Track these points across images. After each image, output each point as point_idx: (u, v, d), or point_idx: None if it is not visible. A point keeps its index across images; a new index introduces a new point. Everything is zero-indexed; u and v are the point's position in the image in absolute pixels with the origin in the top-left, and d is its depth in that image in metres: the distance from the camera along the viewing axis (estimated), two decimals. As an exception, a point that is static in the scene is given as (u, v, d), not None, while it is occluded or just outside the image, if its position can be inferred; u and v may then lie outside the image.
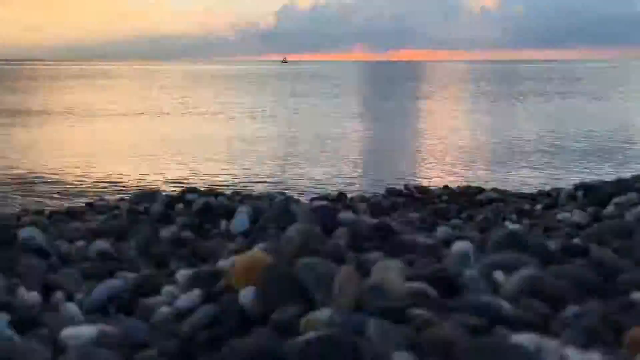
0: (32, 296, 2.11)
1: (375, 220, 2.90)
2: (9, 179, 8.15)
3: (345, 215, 2.86)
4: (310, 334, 1.42)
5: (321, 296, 1.72)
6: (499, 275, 2.04)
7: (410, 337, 1.43)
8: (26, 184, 7.85)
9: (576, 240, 2.94)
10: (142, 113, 18.56)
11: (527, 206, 5.32)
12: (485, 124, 14.45)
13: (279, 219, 2.97)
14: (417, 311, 1.54)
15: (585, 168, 9.12)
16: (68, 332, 1.76)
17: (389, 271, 1.78)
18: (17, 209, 3.79)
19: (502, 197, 6.35)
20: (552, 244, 2.51)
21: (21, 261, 2.51)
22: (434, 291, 1.75)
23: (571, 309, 1.74)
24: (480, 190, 7.23)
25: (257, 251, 2.04)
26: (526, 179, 8.42)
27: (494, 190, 7.56)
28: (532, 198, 6.24)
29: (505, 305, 1.70)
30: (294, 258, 1.93)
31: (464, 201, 6.31)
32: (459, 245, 2.41)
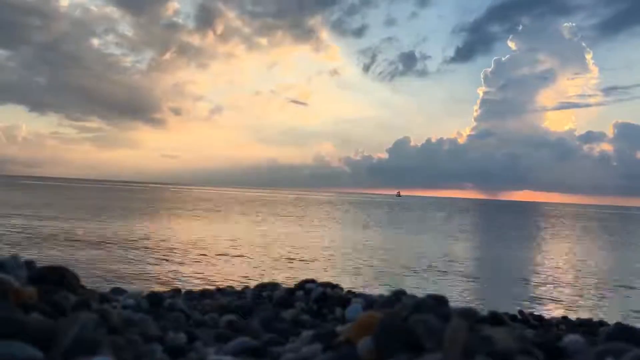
0: (180, 337, 2.46)
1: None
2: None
3: (456, 304, 3.00)
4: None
5: (432, 345, 1.90)
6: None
7: (514, 377, 1.57)
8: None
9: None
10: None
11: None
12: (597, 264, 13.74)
13: (390, 307, 3.16)
14: (523, 357, 1.68)
15: None
16: (212, 357, 2.06)
17: (497, 331, 1.93)
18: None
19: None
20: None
21: (169, 315, 2.91)
22: (540, 352, 1.86)
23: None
24: (602, 323, 6.80)
25: (374, 312, 2.27)
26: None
27: (619, 324, 7.07)
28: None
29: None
30: (407, 317, 2.13)
31: (584, 331, 5.99)
32: (571, 337, 2.47)
